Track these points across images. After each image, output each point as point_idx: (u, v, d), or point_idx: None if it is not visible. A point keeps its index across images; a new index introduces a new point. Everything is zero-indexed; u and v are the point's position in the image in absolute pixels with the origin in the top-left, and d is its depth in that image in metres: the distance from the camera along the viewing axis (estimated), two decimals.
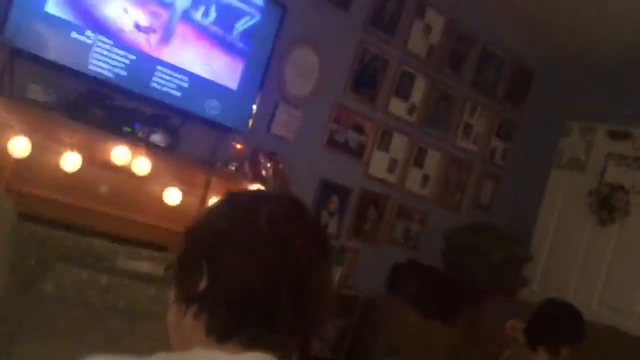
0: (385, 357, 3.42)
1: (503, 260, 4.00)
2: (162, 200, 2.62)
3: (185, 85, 2.84)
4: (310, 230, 0.89)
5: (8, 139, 2.27)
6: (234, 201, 0.91)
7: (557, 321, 2.26)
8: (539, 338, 2.25)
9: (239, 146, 3.00)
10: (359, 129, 3.66)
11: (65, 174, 2.39)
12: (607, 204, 3.82)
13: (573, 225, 3.99)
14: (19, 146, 2.26)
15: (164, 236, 2.71)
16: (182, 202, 2.64)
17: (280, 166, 3.23)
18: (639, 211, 3.72)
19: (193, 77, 2.87)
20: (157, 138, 2.61)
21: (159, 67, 2.77)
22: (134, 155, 2.48)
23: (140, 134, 2.55)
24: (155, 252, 2.59)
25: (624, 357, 3.21)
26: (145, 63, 2.73)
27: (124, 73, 2.65)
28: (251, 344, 0.82)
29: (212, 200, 2.74)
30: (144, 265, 2.56)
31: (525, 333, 2.32)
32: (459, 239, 4.15)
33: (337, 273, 3.29)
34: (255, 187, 2.85)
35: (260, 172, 3.16)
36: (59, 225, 2.37)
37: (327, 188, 3.59)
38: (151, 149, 2.54)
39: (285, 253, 0.83)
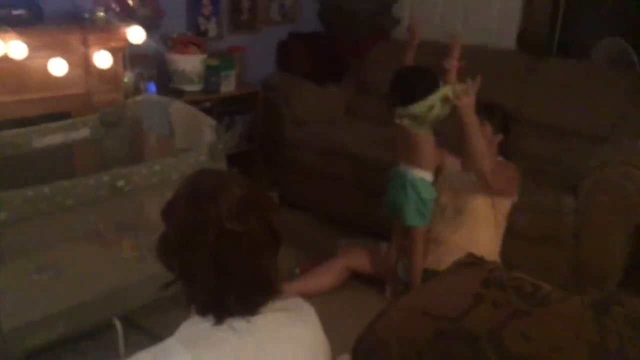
0: (292, 131, 3.83)
1: (375, 8, 4.27)
2: (49, 73, 2.68)
3: None
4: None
5: None
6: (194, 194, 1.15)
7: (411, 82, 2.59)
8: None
9: None
10: None
11: None
12: None
13: None
14: None
15: (64, 104, 2.83)
16: (68, 68, 2.71)
17: None
18: None
19: None
20: (20, 14, 2.56)
21: None
22: (5, 42, 2.47)
23: (2, 19, 2.50)
24: (63, 121, 2.74)
25: (488, 69, 3.72)
26: None
27: None
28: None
29: (98, 56, 2.80)
30: (58, 137, 2.73)
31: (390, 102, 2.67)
32: None
33: (231, 78, 3.51)
34: (131, 28, 2.88)
35: (128, 5, 3.15)
36: None
37: None
38: (19, 30, 2.52)
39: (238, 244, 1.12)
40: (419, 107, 2.53)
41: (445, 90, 2.51)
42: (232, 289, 1.13)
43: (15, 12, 2.55)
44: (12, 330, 2.06)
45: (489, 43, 3.89)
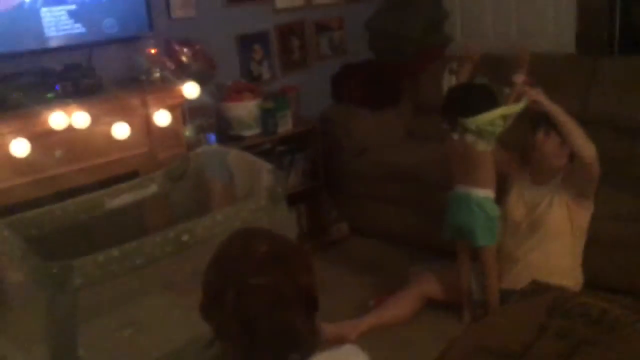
0: (353, 160, 3.84)
1: (424, 28, 4.25)
2: (113, 138, 2.82)
3: (76, 17, 2.86)
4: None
5: None
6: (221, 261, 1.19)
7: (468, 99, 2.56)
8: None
9: (152, 50, 3.09)
10: None
11: (21, 159, 2.56)
12: None
13: None
14: None
15: (131, 164, 2.95)
16: (130, 130, 2.83)
17: (197, 47, 3.34)
18: None
19: (79, 4, 2.87)
20: (80, 87, 2.72)
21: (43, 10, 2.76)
22: (69, 115, 2.61)
23: (63, 92, 2.66)
24: (131, 181, 2.86)
25: (547, 75, 3.61)
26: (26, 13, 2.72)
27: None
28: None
29: (158, 115, 2.91)
30: (129, 197, 2.85)
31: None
32: (378, 25, 4.35)
33: (287, 117, 3.57)
34: (186, 84, 2.99)
35: (181, 61, 3.28)
36: (37, 203, 2.62)
37: (246, 41, 3.71)
38: (81, 101, 2.67)
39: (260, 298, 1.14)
40: (481, 120, 2.48)
41: (507, 108, 2.48)
42: (260, 345, 1.15)
43: (75, 84, 2.70)
44: None
45: (547, 49, 3.79)
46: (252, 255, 1.18)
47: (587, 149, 2.46)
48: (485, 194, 2.65)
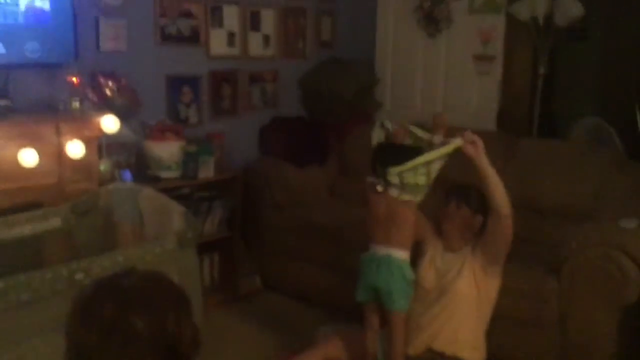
0: (273, 214, 3.80)
1: (355, 91, 4.33)
2: (19, 164, 2.67)
3: None
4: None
5: None
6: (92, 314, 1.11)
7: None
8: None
9: (75, 79, 2.99)
10: (187, 15, 3.65)
11: None
12: (431, 18, 4.13)
13: (408, 43, 4.31)
14: None
15: (36, 194, 2.80)
16: (39, 159, 2.70)
17: (122, 81, 3.26)
18: (459, 17, 4.06)
19: (2, 25, 2.76)
20: None
21: None
22: None
23: None
24: (32, 211, 2.71)
25: None
26: None
27: None
28: None
29: (71, 146, 2.79)
30: (27, 228, 2.70)
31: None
32: (312, 83, 4.40)
33: (210, 163, 3.50)
34: (106, 117, 2.90)
35: (105, 95, 3.19)
36: None
37: (176, 82, 3.66)
38: None
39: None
40: (404, 168, 2.47)
41: (429, 154, 2.47)
42: None
43: None
44: None
45: (469, 124, 3.89)
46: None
47: (506, 205, 2.51)
48: (404, 256, 2.64)
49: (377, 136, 2.77)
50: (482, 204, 2.78)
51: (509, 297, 2.78)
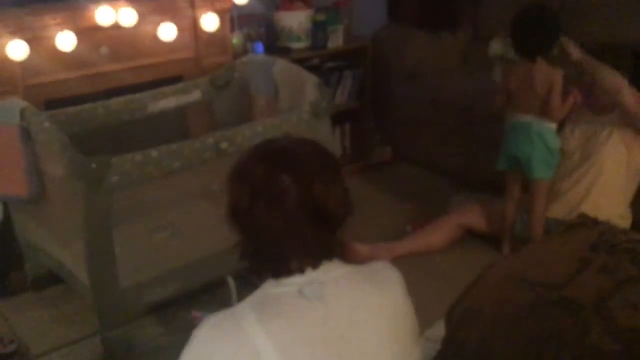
0: (403, 84, 3.71)
1: None
2: (159, 39, 2.76)
3: None
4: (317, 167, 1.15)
5: (3, 46, 2.40)
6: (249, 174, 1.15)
7: (534, 26, 2.43)
8: (526, 48, 2.45)
9: None
10: None
11: (67, 53, 2.54)
12: None
13: None
14: (16, 49, 2.40)
15: (175, 68, 2.91)
16: (177, 33, 2.77)
17: None
18: None
19: None
20: None
21: None
22: (116, 10, 2.56)
23: None
24: (175, 85, 2.83)
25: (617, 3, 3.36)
26: None
27: None
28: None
29: (206, 19, 2.83)
30: (172, 101, 2.83)
31: (513, 46, 2.51)
32: None
33: (339, 32, 3.44)
34: None
35: None
36: (82, 99, 2.62)
37: None
38: None
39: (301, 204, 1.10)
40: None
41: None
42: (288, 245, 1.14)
43: None
44: (130, 286, 2.19)
45: None
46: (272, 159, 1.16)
47: (624, 102, 2.42)
48: (547, 125, 2.52)
49: (495, 48, 2.66)
50: (636, 67, 2.55)
51: None
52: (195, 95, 2.87)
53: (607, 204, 2.52)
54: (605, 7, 3.33)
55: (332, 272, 1.14)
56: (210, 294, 2.48)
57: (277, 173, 1.13)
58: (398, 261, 2.64)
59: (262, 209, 1.12)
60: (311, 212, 1.12)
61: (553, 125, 2.53)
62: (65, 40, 2.50)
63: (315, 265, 1.14)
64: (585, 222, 1.40)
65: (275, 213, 1.12)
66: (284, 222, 1.12)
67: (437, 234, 2.83)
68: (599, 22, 3.27)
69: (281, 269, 1.14)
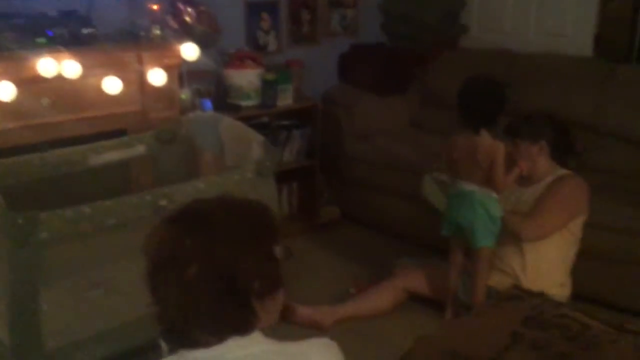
0: (353, 144, 3.74)
1: (440, 16, 4.12)
2: (104, 92, 2.72)
3: None
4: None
5: None
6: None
7: (480, 98, 2.48)
8: (471, 120, 2.49)
9: (155, 7, 2.98)
10: None
11: (7, 103, 2.47)
12: None
13: None
14: None
15: (120, 121, 2.86)
16: (122, 86, 2.73)
17: (202, 8, 3.22)
18: None
19: None
20: (74, 35, 2.61)
21: None
22: (59, 62, 2.51)
23: (56, 39, 2.56)
24: (119, 139, 2.78)
25: (562, 77, 3.50)
26: None
27: None
28: None
29: (153, 74, 2.81)
30: (114, 155, 2.77)
31: (458, 115, 2.55)
32: (394, 8, 4.21)
33: (288, 92, 3.46)
34: (186, 45, 2.88)
35: (185, 22, 3.17)
36: (23, 149, 2.53)
37: (254, 8, 3.60)
38: (73, 49, 2.56)
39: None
40: None
41: None
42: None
43: (70, 31, 2.59)
44: (57, 348, 2.08)
45: (563, 50, 3.67)
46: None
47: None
48: (490, 193, 2.54)
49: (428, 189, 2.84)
50: (535, 129, 2.61)
51: (601, 234, 2.66)
52: (139, 149, 2.82)
53: (547, 274, 2.53)
54: (551, 80, 3.48)
55: (243, 350, 1.06)
56: (142, 358, 2.37)
57: (182, 237, 1.06)
58: (340, 325, 2.63)
59: (161, 276, 1.06)
60: (216, 282, 1.04)
61: (495, 194, 2.55)
62: (5, 91, 2.44)
63: (220, 339, 1.06)
64: (520, 294, 1.40)
65: (172, 281, 1.04)
66: (183, 290, 1.04)
67: (381, 298, 2.79)
68: (543, 95, 3.41)
69: (184, 340, 1.06)
